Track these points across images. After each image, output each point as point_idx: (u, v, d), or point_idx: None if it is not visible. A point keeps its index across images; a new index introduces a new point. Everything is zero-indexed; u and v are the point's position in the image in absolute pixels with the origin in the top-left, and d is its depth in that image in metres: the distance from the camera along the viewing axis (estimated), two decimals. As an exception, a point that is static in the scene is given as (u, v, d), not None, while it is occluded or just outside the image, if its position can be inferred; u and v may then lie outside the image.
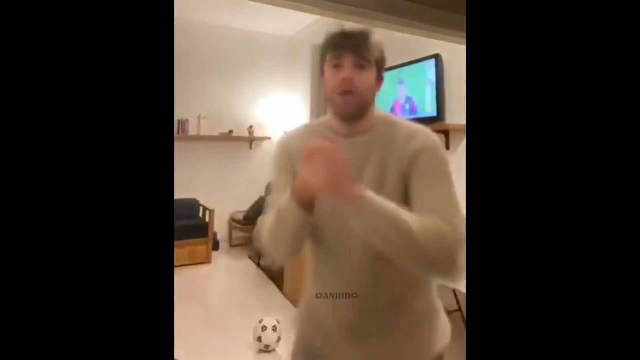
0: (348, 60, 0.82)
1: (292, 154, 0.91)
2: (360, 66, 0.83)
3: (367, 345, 0.86)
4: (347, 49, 0.82)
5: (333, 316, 0.88)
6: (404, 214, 0.72)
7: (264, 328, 2.34)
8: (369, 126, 0.88)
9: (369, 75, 0.84)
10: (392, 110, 3.42)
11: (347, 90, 0.82)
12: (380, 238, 0.73)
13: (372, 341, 0.86)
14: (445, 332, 0.92)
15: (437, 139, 0.86)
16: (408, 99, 3.24)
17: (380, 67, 0.88)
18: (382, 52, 0.87)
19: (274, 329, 2.35)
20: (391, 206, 0.73)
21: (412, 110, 3.18)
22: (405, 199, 0.81)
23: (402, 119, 0.92)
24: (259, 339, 2.33)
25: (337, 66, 0.83)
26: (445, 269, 0.74)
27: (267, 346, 2.34)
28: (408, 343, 0.87)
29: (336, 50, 0.83)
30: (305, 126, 1.01)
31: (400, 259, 0.75)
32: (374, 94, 0.87)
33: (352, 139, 0.87)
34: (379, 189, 0.79)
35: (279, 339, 2.37)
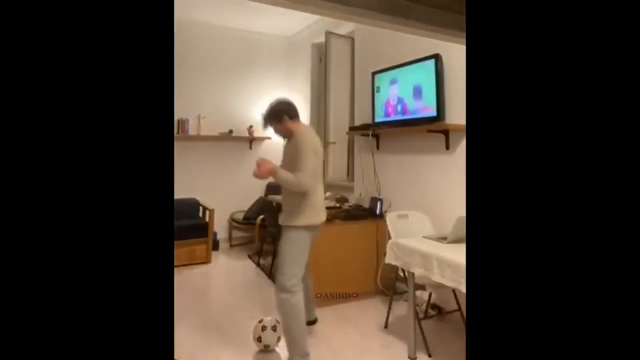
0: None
1: None
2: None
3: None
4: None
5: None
6: (286, 174, 2.14)
7: (264, 328, 2.34)
8: (291, 138, 2.32)
9: (279, 126, 2.31)
10: (385, 109, 3.44)
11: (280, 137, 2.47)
12: (283, 184, 2.20)
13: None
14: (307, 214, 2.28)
15: (300, 136, 2.21)
16: (400, 100, 3.26)
17: (275, 118, 2.32)
18: (273, 112, 2.31)
19: (274, 329, 2.35)
20: (284, 172, 2.15)
21: (404, 110, 3.21)
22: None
23: (302, 129, 2.29)
24: (259, 339, 2.34)
25: None
26: (296, 188, 2.15)
27: (267, 346, 2.34)
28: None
29: None
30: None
31: (288, 188, 2.22)
32: (285, 129, 2.31)
33: (288, 142, 2.38)
34: (293, 159, 2.19)
35: (279, 339, 2.37)
